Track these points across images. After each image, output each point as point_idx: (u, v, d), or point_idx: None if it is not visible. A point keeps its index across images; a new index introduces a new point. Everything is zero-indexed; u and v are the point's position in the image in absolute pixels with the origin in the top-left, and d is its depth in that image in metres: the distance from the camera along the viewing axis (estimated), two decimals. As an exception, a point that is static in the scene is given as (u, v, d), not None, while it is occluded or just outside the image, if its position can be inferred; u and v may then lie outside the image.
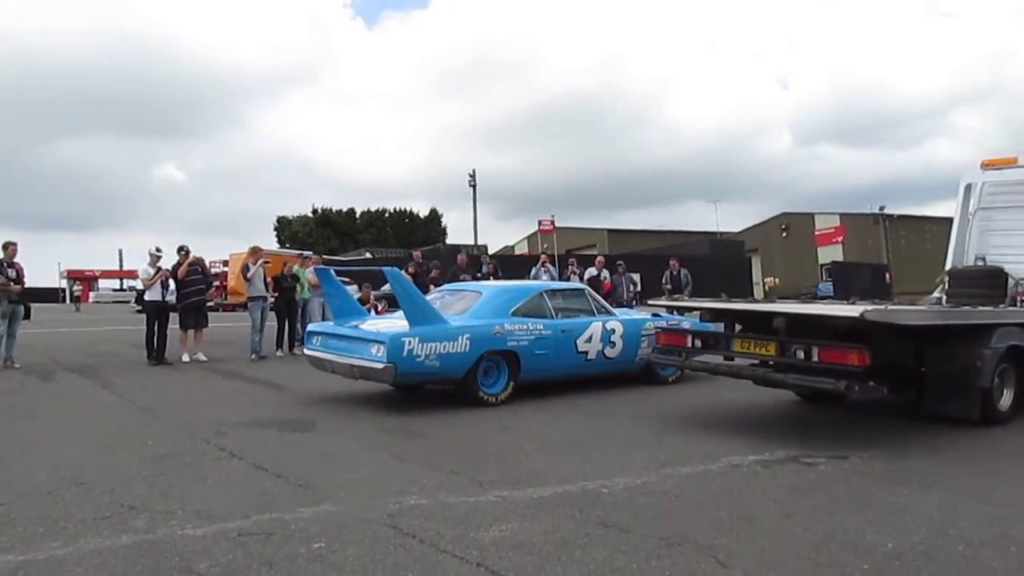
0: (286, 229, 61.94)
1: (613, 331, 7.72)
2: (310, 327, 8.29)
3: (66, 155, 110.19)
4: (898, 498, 3.96)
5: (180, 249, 10.90)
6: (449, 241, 53.90)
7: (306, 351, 7.62)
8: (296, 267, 12.34)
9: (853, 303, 7.19)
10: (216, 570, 2.94)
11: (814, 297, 29.38)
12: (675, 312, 8.41)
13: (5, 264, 9.69)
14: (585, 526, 3.46)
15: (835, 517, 3.61)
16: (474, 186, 40.62)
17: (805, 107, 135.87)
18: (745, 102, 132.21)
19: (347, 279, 14.72)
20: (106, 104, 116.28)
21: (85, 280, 60.37)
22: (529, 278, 13.15)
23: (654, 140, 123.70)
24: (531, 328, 7.11)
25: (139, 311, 16.52)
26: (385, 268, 7.24)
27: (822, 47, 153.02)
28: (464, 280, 11.62)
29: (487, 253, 33.37)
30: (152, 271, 10.58)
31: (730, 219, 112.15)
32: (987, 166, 8.93)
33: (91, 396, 7.83)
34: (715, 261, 36.95)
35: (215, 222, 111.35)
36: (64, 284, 58.59)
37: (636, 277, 17.34)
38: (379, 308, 11.97)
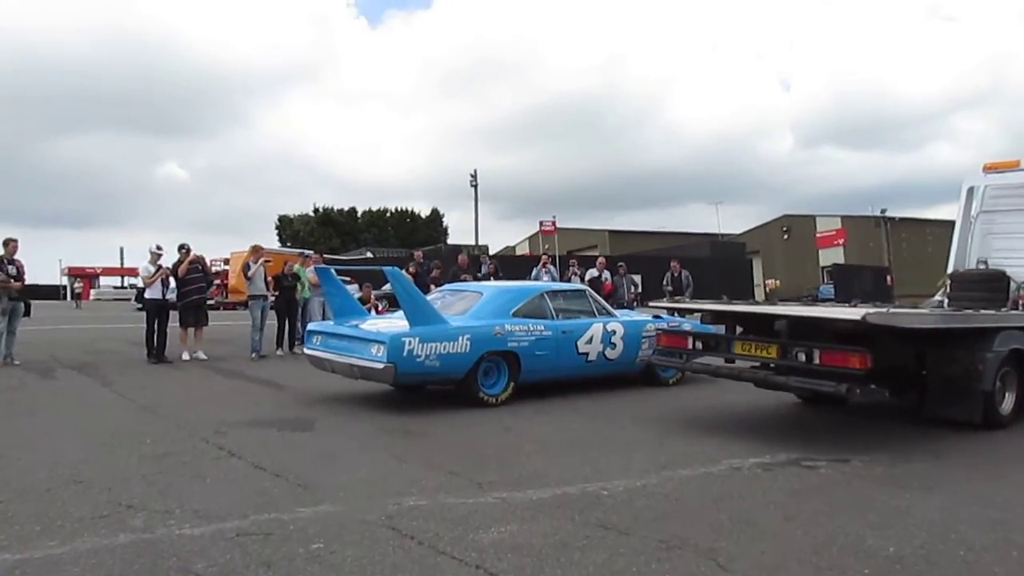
0: (287, 228, 62.01)
1: (614, 332, 7.71)
2: (310, 326, 8.28)
3: (67, 152, 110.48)
4: (899, 502, 3.95)
5: (181, 247, 10.90)
6: (450, 241, 54.00)
7: (306, 350, 7.61)
8: (297, 266, 12.34)
9: (854, 306, 7.20)
10: (214, 570, 2.93)
11: (815, 299, 29.26)
12: (676, 314, 8.43)
13: (5, 261, 9.69)
14: (585, 528, 3.45)
15: (836, 521, 3.60)
16: (475, 186, 40.67)
17: (807, 109, 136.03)
18: (747, 103, 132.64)
19: (348, 278, 14.80)
20: (108, 101, 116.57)
21: (86, 277, 60.26)
22: (530, 279, 13.15)
23: (655, 141, 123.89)
24: (532, 329, 7.10)
25: (139, 309, 16.50)
26: (386, 268, 7.24)
27: (824, 49, 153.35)
28: (465, 280, 11.62)
29: (488, 253, 33.39)
30: (153, 269, 10.57)
31: (731, 221, 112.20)
32: (989, 169, 8.93)
33: (91, 394, 7.82)
34: (716, 263, 36.97)
35: (217, 220, 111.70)
36: (65, 281, 58.58)
37: (637, 278, 17.34)
38: (380, 308, 11.97)
